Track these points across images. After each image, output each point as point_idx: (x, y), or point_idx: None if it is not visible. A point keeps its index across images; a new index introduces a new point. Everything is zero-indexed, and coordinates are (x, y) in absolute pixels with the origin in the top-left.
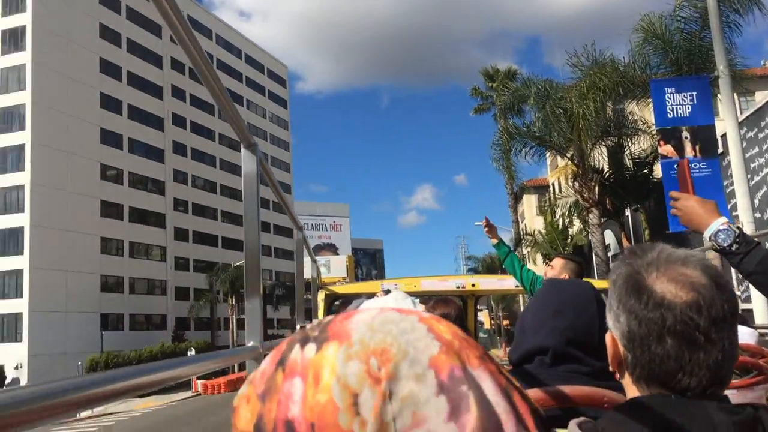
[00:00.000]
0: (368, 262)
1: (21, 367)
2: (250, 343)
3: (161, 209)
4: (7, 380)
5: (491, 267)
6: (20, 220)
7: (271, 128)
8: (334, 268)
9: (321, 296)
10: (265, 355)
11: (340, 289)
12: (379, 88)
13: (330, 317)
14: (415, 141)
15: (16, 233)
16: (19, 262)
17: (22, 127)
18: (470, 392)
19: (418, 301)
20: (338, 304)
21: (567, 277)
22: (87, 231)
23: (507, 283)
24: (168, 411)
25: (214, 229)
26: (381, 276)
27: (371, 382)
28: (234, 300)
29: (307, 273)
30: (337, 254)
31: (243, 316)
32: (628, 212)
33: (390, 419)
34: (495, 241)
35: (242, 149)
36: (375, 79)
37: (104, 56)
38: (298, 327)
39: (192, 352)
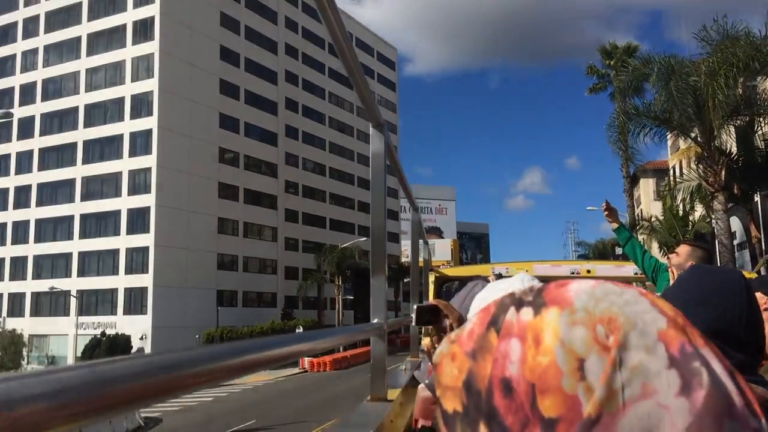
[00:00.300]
0: (473, 246)
1: (146, 337)
2: (375, 321)
3: (273, 191)
4: (133, 350)
5: (603, 253)
6: (147, 200)
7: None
8: (439, 252)
9: (431, 278)
10: (388, 332)
11: (450, 271)
12: (489, 69)
13: (539, 284)
14: (524, 123)
15: (143, 213)
16: (146, 240)
17: (149, 113)
18: (702, 369)
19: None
20: (448, 286)
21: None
22: (206, 211)
23: (625, 270)
24: (277, 386)
25: (322, 211)
26: (486, 260)
27: (599, 348)
28: (340, 280)
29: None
30: (442, 238)
31: (349, 297)
32: (757, 198)
33: (619, 387)
34: (615, 225)
35: (371, 129)
36: (485, 59)
37: (224, 44)
38: (414, 308)
39: (300, 330)
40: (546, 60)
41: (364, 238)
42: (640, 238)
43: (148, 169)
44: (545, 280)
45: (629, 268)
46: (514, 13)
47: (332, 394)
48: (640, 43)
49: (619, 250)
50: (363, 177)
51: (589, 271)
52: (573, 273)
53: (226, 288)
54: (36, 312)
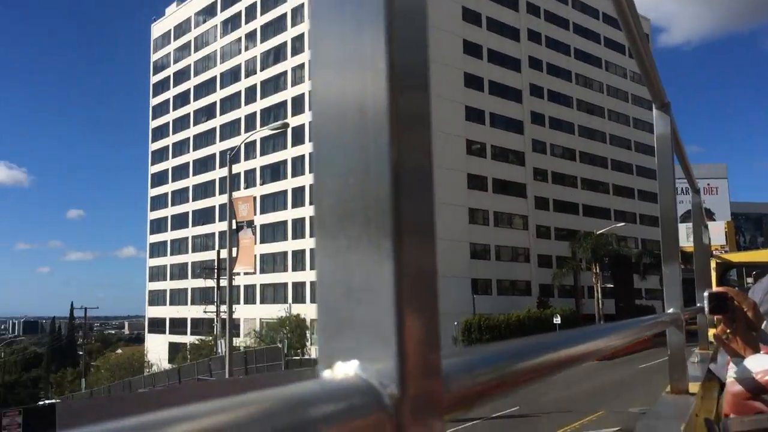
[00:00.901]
0: (752, 229)
1: None
2: (670, 310)
3: (521, 179)
4: None
5: None
6: None
7: (632, 88)
8: (711, 235)
9: (712, 264)
10: (687, 321)
11: (735, 257)
12: (759, 30)
13: None
14: None
15: None
16: None
17: None
18: None
19: None
20: (752, 274)
21: None
22: (457, 202)
23: None
24: None
25: (574, 197)
26: None
27: None
28: (598, 268)
29: (683, 240)
30: (714, 220)
31: (609, 285)
32: None
33: None
34: None
35: (654, 110)
36: (756, 18)
37: (467, 37)
38: (705, 294)
39: (557, 319)
40: None
41: (622, 224)
42: None
43: None
44: None
45: None
46: None
47: (594, 386)
48: None
49: None
50: (617, 159)
51: None
52: None
53: (480, 276)
54: (313, 299)
